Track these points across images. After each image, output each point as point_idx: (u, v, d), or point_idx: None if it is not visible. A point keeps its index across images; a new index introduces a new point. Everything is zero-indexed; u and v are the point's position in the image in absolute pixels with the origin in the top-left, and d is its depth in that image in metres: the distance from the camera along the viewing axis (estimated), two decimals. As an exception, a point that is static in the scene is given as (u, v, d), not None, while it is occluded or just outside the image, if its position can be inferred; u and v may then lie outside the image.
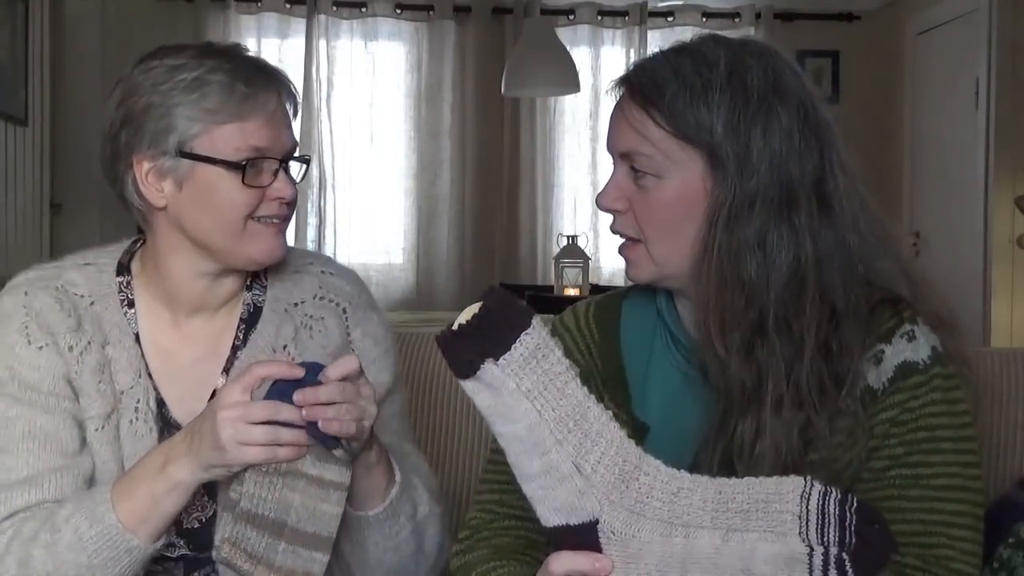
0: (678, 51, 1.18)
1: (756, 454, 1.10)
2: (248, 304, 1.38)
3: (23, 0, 4.23)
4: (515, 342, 0.94)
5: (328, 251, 5.95)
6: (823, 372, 1.12)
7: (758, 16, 6.12)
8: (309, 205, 5.93)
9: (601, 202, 1.20)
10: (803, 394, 1.11)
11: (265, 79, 1.29)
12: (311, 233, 5.95)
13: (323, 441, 1.15)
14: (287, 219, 1.33)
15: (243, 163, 1.25)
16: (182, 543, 1.33)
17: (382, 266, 6.07)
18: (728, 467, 1.11)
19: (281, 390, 1.14)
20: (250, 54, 1.33)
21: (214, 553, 1.20)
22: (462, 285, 5.97)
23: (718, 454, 1.13)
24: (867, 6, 6.09)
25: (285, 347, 1.35)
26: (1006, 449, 1.56)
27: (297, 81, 6.08)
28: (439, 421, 1.75)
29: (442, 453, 1.74)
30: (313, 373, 1.15)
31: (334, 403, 1.14)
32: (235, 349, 1.36)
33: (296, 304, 1.38)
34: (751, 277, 1.12)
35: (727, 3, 6.13)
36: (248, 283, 1.39)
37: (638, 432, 1.22)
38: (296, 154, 1.34)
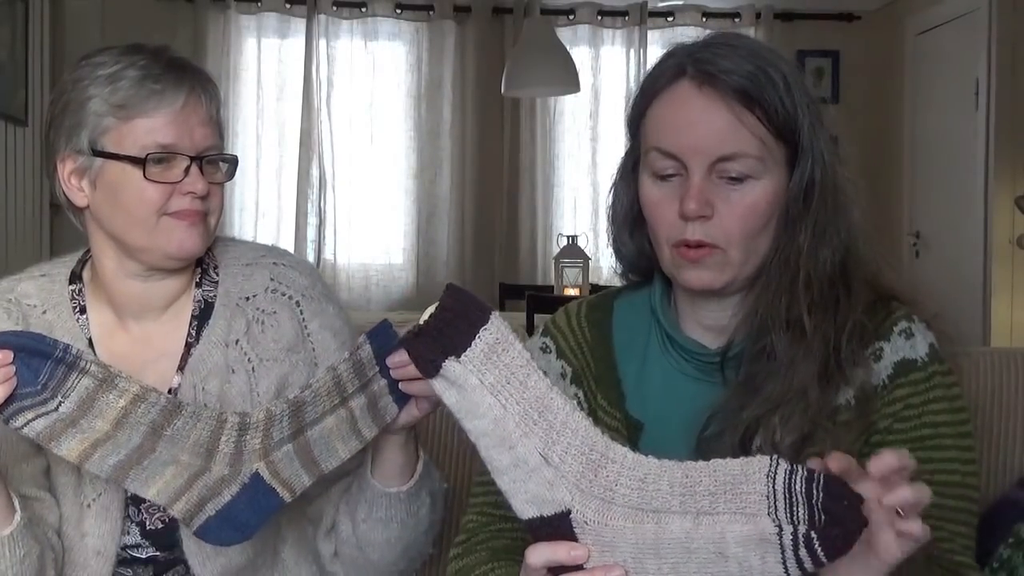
0: (735, 46, 1.15)
1: (754, 449, 1.10)
2: (199, 301, 1.39)
3: (23, 0, 4.22)
4: (475, 338, 0.95)
5: (328, 251, 5.96)
6: (829, 367, 1.13)
7: (758, 16, 6.13)
8: (309, 205, 5.94)
9: (689, 210, 1.12)
10: (811, 389, 1.12)
11: (175, 76, 1.29)
12: (311, 233, 5.95)
13: (397, 397, 1.18)
14: (203, 214, 1.32)
15: (144, 158, 1.26)
16: (147, 543, 1.34)
17: (382, 266, 6.08)
18: None
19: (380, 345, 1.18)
20: (172, 54, 1.34)
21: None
22: (462, 285, 5.95)
23: (719, 452, 1.13)
24: (867, 6, 6.10)
25: (237, 341, 1.36)
26: (1006, 449, 1.56)
27: (297, 81, 6.05)
28: (433, 423, 1.74)
29: (437, 456, 1.73)
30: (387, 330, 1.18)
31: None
32: (188, 346, 1.37)
33: (248, 298, 1.38)
34: (812, 272, 1.14)
35: (727, 3, 6.13)
36: (197, 280, 1.40)
37: (632, 430, 1.22)
38: (224, 152, 1.34)
